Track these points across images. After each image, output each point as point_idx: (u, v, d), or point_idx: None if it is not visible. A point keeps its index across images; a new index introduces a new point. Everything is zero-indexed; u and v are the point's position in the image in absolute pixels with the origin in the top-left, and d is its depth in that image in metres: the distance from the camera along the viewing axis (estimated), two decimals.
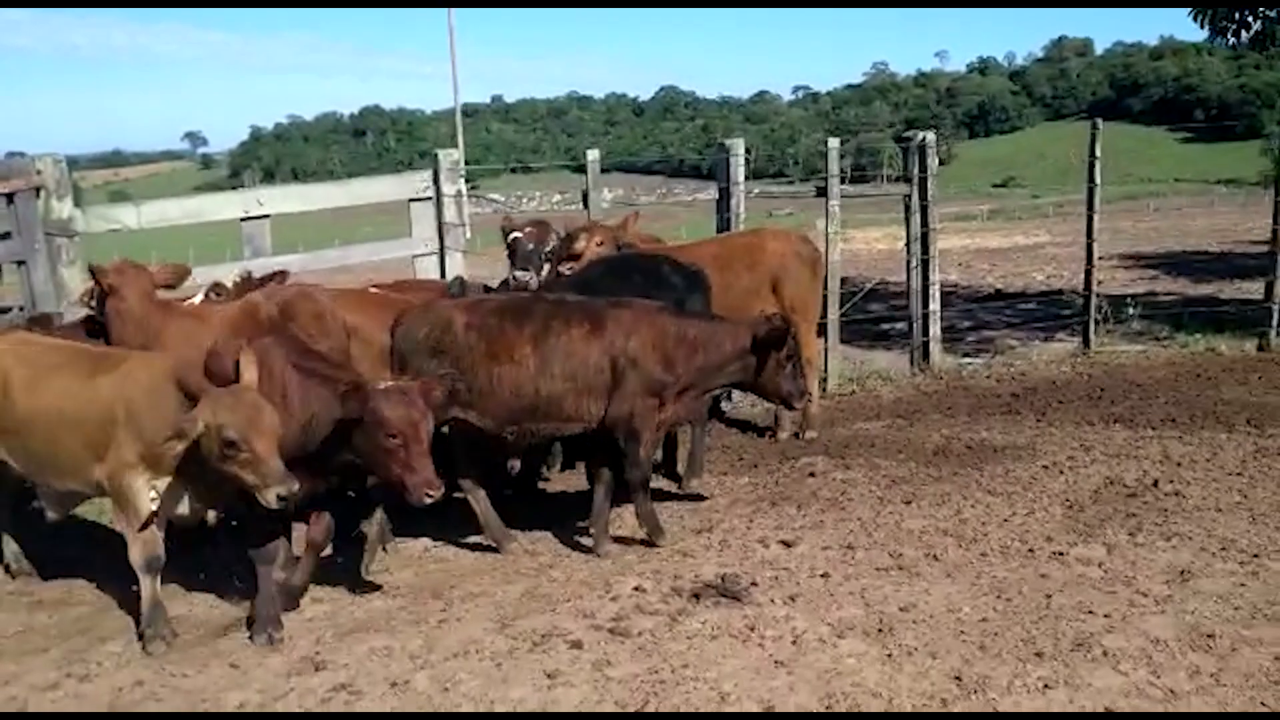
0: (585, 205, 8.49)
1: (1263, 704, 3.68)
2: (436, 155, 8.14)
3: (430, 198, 8.07)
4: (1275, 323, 9.51)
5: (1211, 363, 9.07)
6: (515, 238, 6.65)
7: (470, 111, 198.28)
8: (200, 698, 4.17)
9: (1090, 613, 4.41)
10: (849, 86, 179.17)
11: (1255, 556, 4.84)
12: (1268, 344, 9.43)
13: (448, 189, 8.05)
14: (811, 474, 6.69)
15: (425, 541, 5.84)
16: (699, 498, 6.27)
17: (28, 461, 4.88)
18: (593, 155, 8.50)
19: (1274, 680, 3.80)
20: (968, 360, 9.62)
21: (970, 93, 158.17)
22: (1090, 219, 9.64)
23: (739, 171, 8.80)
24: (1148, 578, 4.72)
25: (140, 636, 4.62)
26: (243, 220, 7.52)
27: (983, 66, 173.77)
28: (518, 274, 6.58)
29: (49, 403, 4.68)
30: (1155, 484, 5.96)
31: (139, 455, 4.47)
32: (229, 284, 6.20)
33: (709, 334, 5.57)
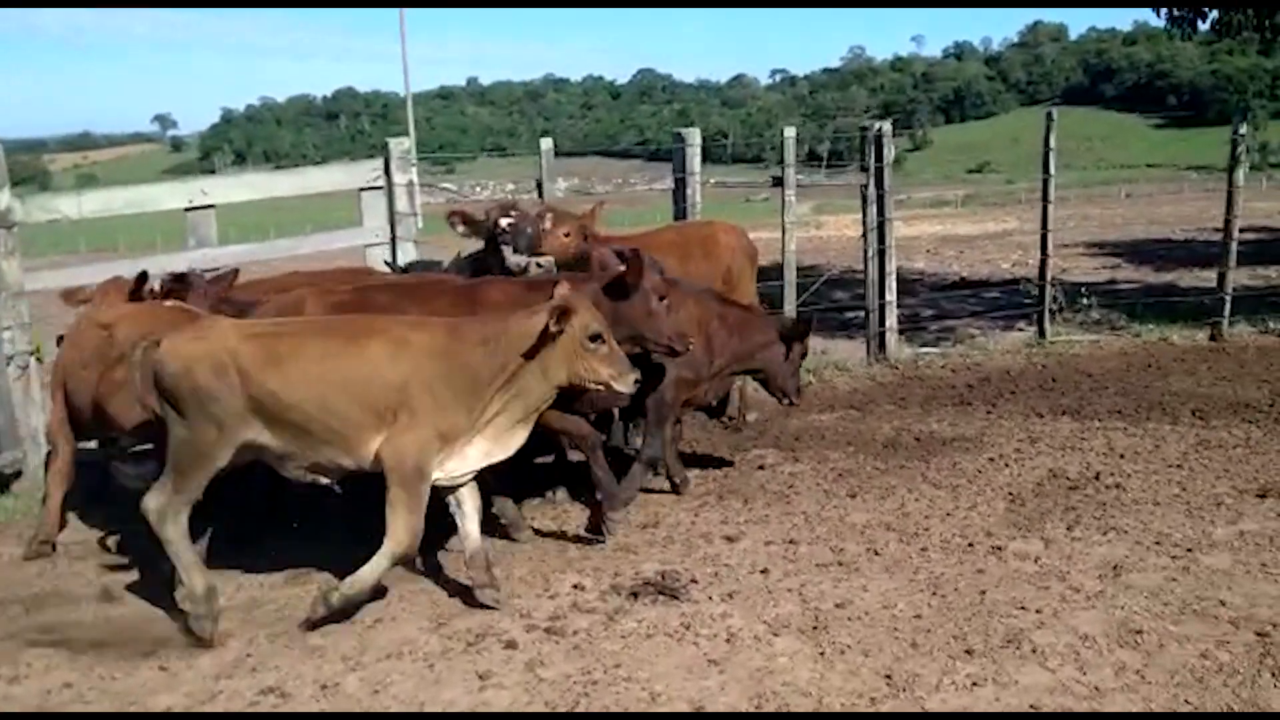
0: (540, 194, 8.43)
1: (1186, 702, 3.71)
2: (387, 144, 8.05)
3: (381, 187, 7.98)
4: (1227, 313, 9.59)
5: (1163, 353, 9.14)
6: (509, 223, 6.41)
7: (446, 94, 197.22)
8: (128, 700, 4.13)
9: (1023, 608, 4.43)
10: (826, 71, 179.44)
11: (1189, 551, 4.88)
12: (1220, 334, 9.50)
13: (399, 178, 7.95)
14: (760, 467, 6.69)
15: None
16: (648, 491, 6.25)
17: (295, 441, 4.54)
18: (546, 143, 8.44)
19: (1198, 678, 3.83)
20: (925, 350, 9.64)
21: (946, 78, 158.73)
22: (1045, 209, 9.66)
23: (695, 161, 8.77)
24: (1081, 572, 4.75)
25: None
26: (187, 210, 7.41)
27: (959, 52, 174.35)
28: (516, 260, 6.17)
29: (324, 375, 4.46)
30: (1097, 476, 6.00)
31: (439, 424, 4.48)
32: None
33: (745, 322, 6.03)
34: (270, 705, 4.01)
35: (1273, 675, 3.79)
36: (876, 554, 5.13)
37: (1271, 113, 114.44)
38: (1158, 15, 11.63)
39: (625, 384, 4.61)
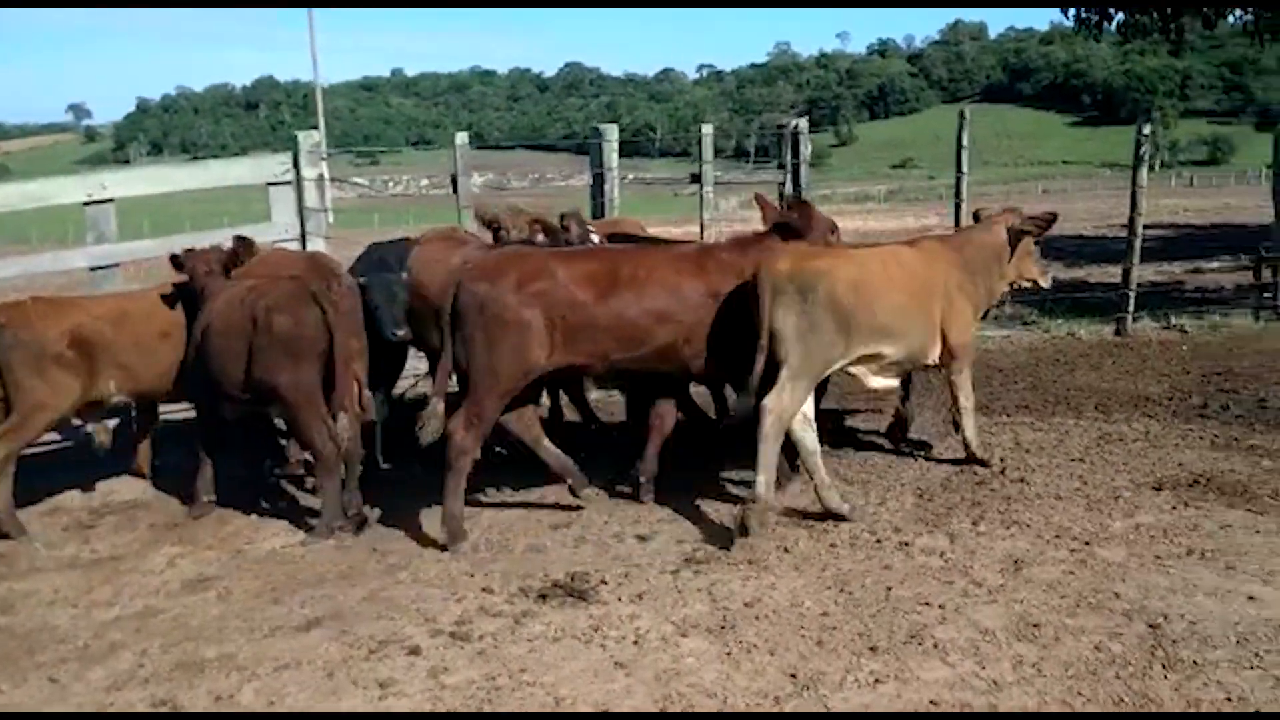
0: (455, 189, 8.32)
1: (1080, 694, 3.77)
2: (296, 137, 7.87)
3: (290, 181, 7.80)
4: (1131, 308, 9.85)
5: (1071, 348, 9.36)
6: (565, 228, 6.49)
7: (369, 85, 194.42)
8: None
9: (926, 604, 4.48)
10: (753, 66, 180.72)
11: (1086, 544, 4.98)
12: (1124, 329, 9.76)
13: (308, 172, 7.79)
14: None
15: (275, 542, 5.67)
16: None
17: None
18: (461, 138, 8.32)
19: (1091, 670, 3.91)
20: None
21: (870, 74, 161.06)
22: (958, 207, 9.82)
23: (612, 156, 8.74)
24: (984, 567, 4.82)
25: None
26: (86, 205, 7.16)
27: (882, 49, 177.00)
28: None
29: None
30: (1003, 471, 6.10)
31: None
32: None
33: None
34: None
35: (1163, 667, 3.88)
36: (787, 551, 5.15)
37: (1181, 112, 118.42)
38: (1065, 16, 11.96)
39: (1046, 280, 6.58)
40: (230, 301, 5.78)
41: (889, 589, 4.65)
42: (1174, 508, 5.36)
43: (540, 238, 6.47)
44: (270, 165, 7.88)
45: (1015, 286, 6.55)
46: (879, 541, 5.21)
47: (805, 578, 4.84)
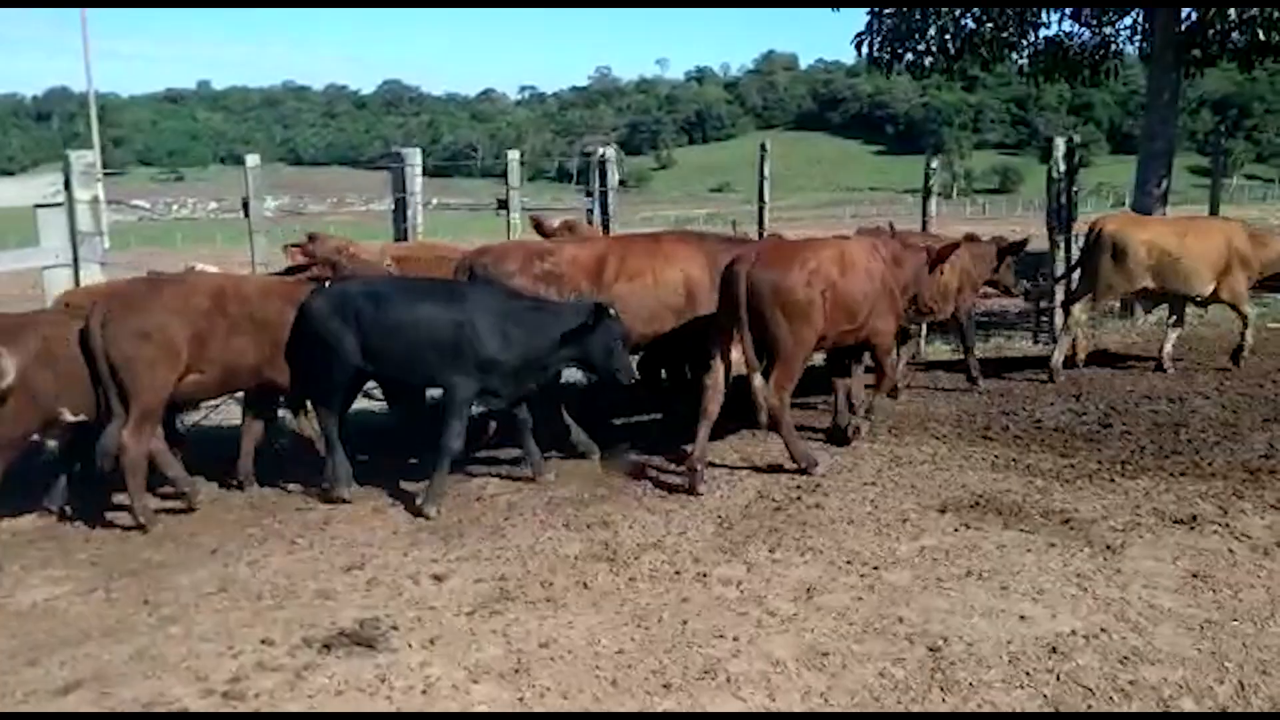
0: (246, 213, 7.93)
1: None
2: (67, 156, 7.30)
3: (61, 204, 7.23)
4: (924, 331, 10.32)
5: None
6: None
7: (175, 97, 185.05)
8: None
9: (721, 636, 4.49)
10: (574, 89, 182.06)
11: (875, 569, 5.12)
12: (917, 352, 10.21)
13: (81, 194, 7.23)
14: (479, 498, 6.54)
15: (39, 594, 5.19)
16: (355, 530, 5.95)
17: None
18: (252, 160, 7.94)
19: (875, 696, 3.99)
20: None
21: (689, 100, 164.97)
22: (760, 234, 10.07)
23: (416, 181, 8.54)
24: (778, 596, 4.88)
25: None
26: None
27: (700, 76, 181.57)
28: None
29: None
30: (799, 497, 6.23)
31: None
32: None
33: None
34: None
35: (941, 690, 4.00)
36: (586, 587, 5.08)
37: (974, 143, 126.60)
38: (859, 55, 12.57)
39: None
40: None
41: (685, 623, 4.64)
42: (956, 529, 5.59)
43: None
44: (39, 186, 7.29)
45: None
46: (678, 573, 5.21)
47: (603, 615, 4.78)
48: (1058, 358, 9.43)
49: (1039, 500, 6.02)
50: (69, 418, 5.88)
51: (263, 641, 4.56)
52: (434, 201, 8.98)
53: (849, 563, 5.22)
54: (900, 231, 8.33)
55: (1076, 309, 9.59)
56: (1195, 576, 4.85)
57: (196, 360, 6.14)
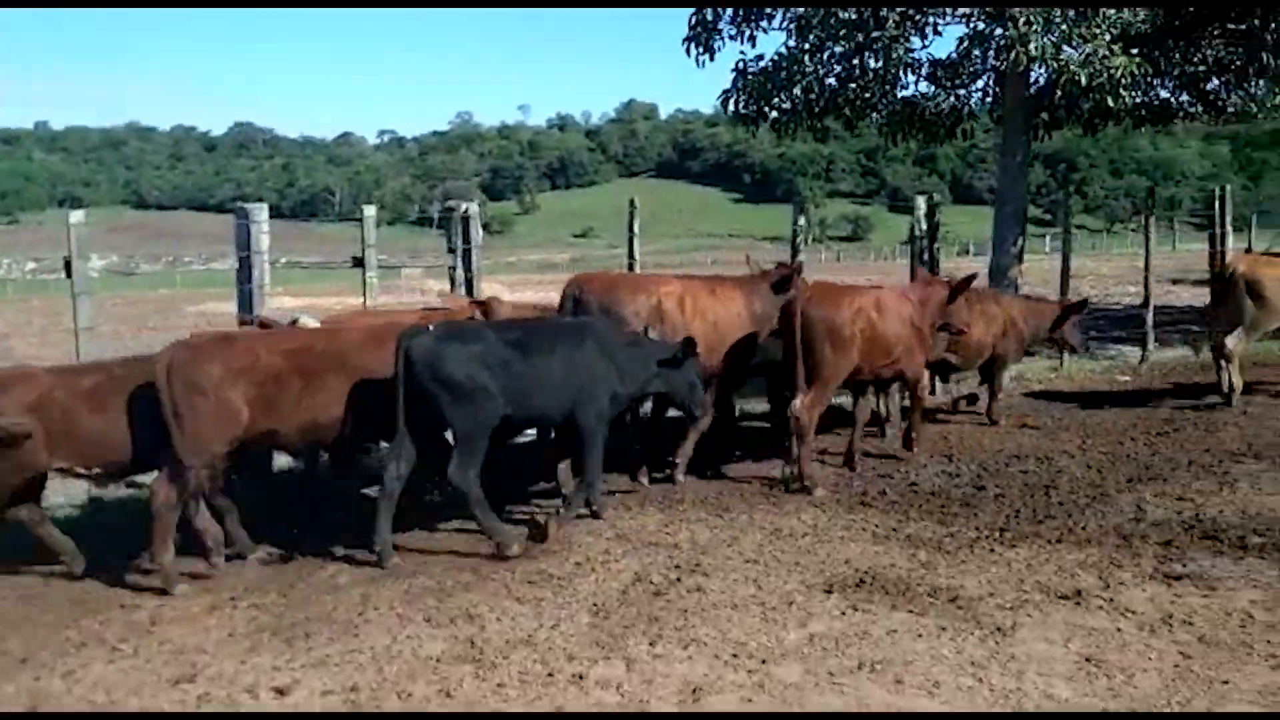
0: (68, 274, 7.18)
1: None
2: None
3: None
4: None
5: (745, 432, 9.46)
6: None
7: (8, 138, 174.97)
8: None
9: None
10: (435, 133, 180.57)
11: (764, 663, 4.78)
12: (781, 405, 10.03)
13: None
14: (333, 589, 5.96)
15: None
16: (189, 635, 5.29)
17: None
18: (76, 216, 7.20)
19: None
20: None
21: (551, 147, 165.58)
22: None
23: (261, 239, 7.92)
24: (662, 700, 4.49)
25: None
26: None
27: (562, 123, 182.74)
28: None
29: None
30: (679, 579, 5.87)
31: None
32: None
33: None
34: None
35: None
36: (449, 696, 4.58)
37: (827, 193, 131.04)
38: (725, 112, 12.58)
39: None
40: None
41: None
42: (844, 613, 5.32)
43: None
44: None
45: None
46: (551, 675, 4.76)
47: None
48: (1236, 384, 10.45)
49: (924, 575, 5.82)
50: None
51: None
52: (282, 260, 8.36)
53: (735, 656, 4.88)
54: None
55: (1230, 341, 10.31)
56: (1088, 660, 4.69)
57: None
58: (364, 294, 8.54)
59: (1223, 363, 10.50)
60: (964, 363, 9.88)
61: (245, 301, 7.91)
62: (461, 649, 5.06)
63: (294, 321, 7.15)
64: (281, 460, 7.88)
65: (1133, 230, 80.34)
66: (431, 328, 6.24)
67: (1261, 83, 11.98)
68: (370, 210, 8.60)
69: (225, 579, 6.18)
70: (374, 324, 6.90)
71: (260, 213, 7.93)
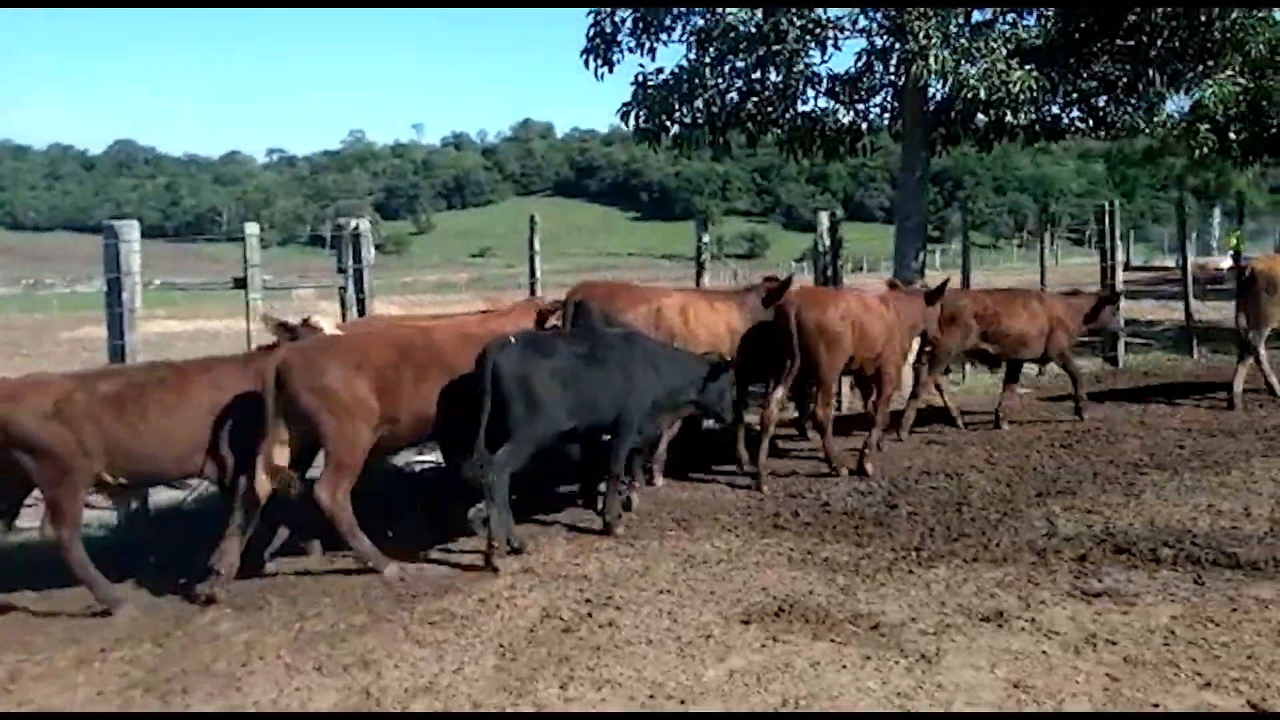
0: None
1: None
2: None
3: None
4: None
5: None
6: None
7: None
8: None
9: None
10: (327, 153, 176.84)
11: (682, 704, 4.50)
12: (698, 427, 9.82)
13: None
14: (212, 638, 5.48)
15: None
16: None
17: None
18: None
19: None
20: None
21: (446, 166, 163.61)
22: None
23: (134, 259, 7.37)
24: None
25: None
26: None
27: (457, 142, 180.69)
28: None
29: None
30: (590, 614, 5.55)
31: None
32: None
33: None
34: None
35: None
36: None
37: (724, 211, 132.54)
38: (625, 125, 12.37)
39: None
40: None
41: None
42: (764, 645, 5.06)
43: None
44: None
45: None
46: None
47: None
48: (1263, 377, 11.17)
49: (844, 602, 5.62)
50: None
51: None
52: (157, 281, 7.79)
53: (652, 697, 4.58)
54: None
55: (1252, 338, 10.99)
56: (1016, 686, 4.53)
57: None
58: (246, 316, 8.02)
59: (1263, 365, 11.16)
60: (1001, 352, 10.48)
61: (115, 325, 7.35)
62: (357, 700, 4.67)
63: (305, 321, 7.04)
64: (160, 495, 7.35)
65: (1017, 246, 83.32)
66: (513, 339, 6.45)
67: (1145, 99, 12.27)
68: (253, 228, 8.11)
69: (95, 628, 5.66)
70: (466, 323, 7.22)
71: (131, 231, 7.38)
